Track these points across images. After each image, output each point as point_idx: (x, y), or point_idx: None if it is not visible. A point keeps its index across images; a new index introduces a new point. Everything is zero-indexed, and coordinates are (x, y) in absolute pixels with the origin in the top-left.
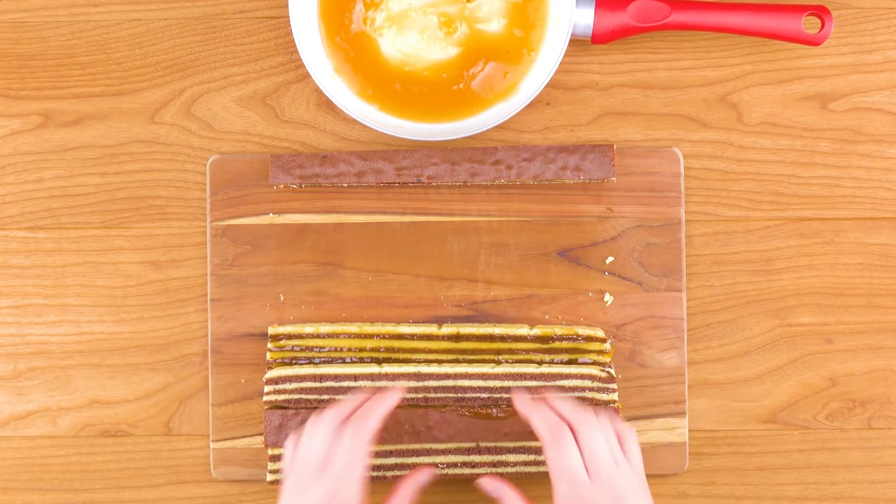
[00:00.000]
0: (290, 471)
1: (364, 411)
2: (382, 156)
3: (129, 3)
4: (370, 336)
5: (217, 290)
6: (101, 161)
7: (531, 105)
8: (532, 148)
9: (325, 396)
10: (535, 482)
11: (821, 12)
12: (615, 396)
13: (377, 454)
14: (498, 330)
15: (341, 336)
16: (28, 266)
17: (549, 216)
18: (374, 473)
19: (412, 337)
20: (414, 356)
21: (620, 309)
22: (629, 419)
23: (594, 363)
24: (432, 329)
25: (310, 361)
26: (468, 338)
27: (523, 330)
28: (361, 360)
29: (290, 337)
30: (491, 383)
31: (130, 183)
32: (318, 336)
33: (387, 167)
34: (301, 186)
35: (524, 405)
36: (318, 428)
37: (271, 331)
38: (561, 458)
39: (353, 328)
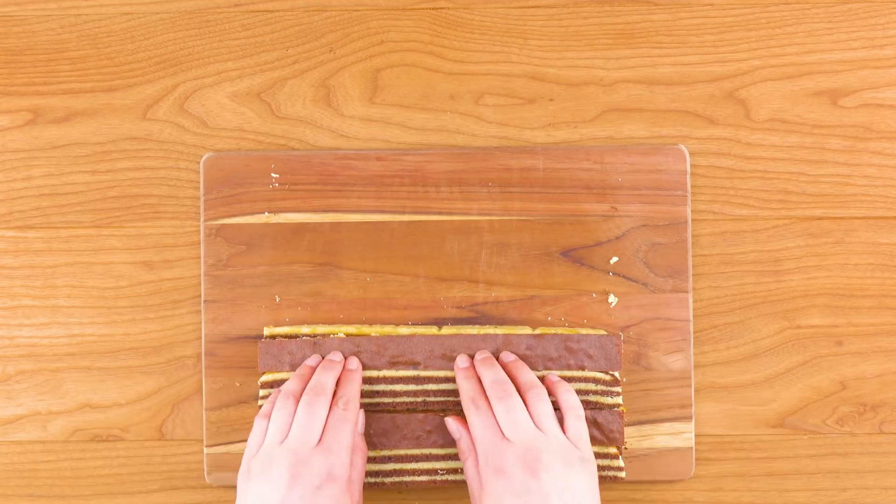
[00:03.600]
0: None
1: (342, 391)
2: (375, 342)
3: None
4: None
5: (211, 291)
6: (91, 159)
7: (533, 102)
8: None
9: None
10: None
11: None
12: (619, 400)
13: (375, 460)
14: (499, 332)
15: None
16: (17, 266)
17: (551, 215)
18: (372, 479)
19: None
20: None
21: (625, 310)
22: (634, 423)
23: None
24: (432, 331)
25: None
26: None
27: (525, 332)
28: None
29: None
30: None
31: (122, 181)
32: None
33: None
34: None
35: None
36: (287, 406)
37: (267, 332)
38: (476, 422)
39: (351, 330)
